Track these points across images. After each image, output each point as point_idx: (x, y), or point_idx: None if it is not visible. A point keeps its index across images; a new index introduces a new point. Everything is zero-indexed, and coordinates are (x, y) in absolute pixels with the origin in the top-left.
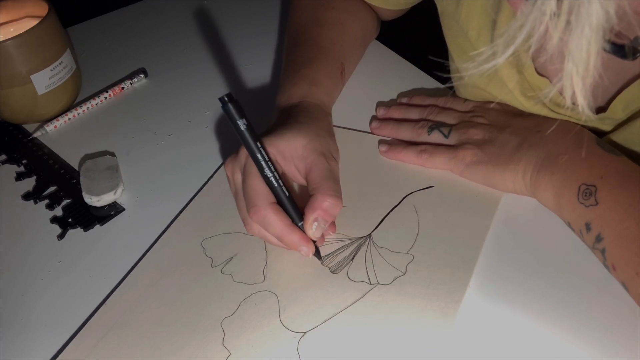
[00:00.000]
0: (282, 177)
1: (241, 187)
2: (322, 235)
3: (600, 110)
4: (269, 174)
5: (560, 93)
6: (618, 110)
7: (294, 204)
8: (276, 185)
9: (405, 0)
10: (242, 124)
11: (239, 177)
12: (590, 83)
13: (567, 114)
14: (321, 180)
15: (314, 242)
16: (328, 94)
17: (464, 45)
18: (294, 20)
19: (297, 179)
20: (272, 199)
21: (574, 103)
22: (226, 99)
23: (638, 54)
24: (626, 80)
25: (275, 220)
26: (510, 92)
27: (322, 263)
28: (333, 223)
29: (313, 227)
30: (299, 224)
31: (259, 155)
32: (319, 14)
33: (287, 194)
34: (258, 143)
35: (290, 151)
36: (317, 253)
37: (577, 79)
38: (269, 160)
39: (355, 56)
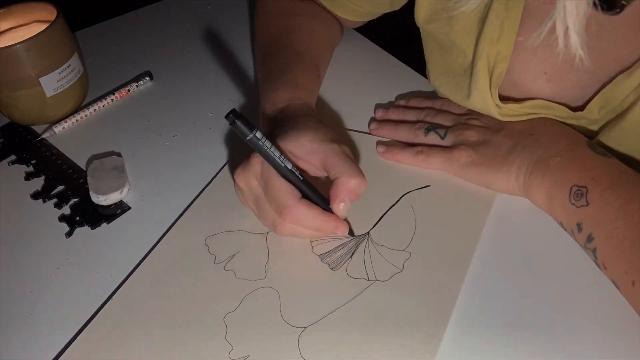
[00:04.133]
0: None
1: (262, 193)
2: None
3: (577, 110)
4: (289, 167)
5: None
6: (594, 110)
7: (318, 193)
8: (301, 179)
9: (363, 12)
10: (253, 137)
11: (255, 184)
12: (584, 13)
13: (546, 114)
14: (341, 163)
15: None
16: (311, 96)
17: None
18: (263, 32)
19: (312, 173)
20: (299, 195)
21: (566, 46)
22: (232, 116)
23: (620, 8)
24: (603, 82)
25: (310, 214)
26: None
27: (350, 237)
28: None
29: (340, 208)
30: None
31: (275, 156)
32: (287, 22)
33: (311, 185)
34: (272, 145)
35: (299, 149)
36: (350, 230)
37: (570, 7)
38: (286, 157)
39: (326, 60)
